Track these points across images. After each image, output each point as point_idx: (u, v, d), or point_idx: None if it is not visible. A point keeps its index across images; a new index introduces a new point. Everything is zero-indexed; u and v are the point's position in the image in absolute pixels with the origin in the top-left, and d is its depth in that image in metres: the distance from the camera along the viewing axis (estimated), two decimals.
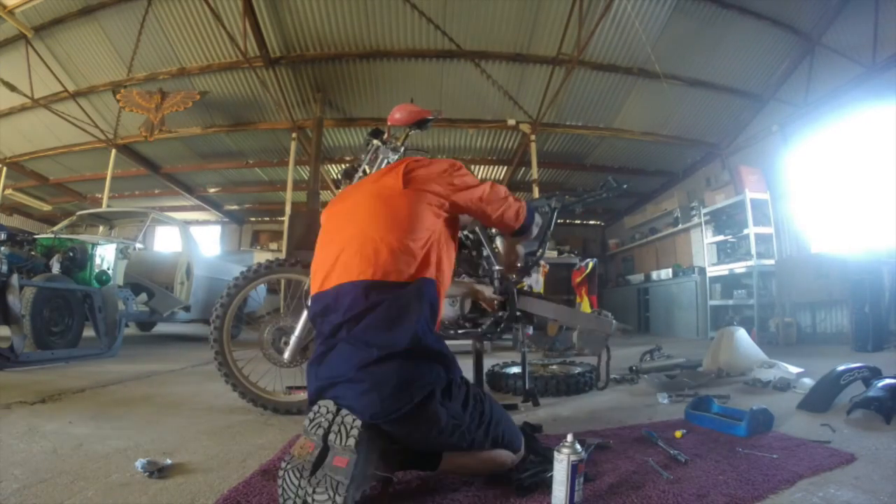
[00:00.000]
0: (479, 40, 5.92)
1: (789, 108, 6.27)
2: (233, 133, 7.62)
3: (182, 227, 5.76)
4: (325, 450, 1.01)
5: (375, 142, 2.09)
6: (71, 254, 4.00)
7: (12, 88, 6.37)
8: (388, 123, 2.08)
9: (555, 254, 6.23)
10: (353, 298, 1.14)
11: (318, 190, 6.56)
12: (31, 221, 10.98)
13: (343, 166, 6.29)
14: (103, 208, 6.83)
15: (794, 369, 2.73)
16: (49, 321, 3.66)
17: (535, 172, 7.07)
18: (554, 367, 3.11)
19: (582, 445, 1.11)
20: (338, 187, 9.59)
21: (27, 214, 11.03)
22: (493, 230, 2.21)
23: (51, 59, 6.30)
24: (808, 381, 2.42)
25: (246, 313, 5.59)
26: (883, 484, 1.23)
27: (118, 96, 6.62)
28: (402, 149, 2.12)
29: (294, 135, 7.07)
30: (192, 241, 5.76)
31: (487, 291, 2.05)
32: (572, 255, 6.31)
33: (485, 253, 2.14)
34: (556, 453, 1.09)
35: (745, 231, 6.20)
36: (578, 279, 5.03)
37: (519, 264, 1.94)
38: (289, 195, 6.86)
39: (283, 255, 5.92)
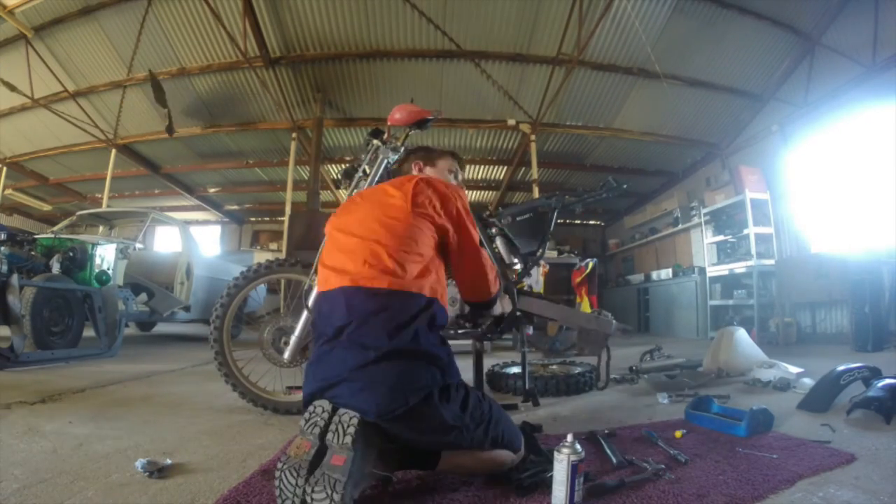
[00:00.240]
0: (478, 40, 5.92)
1: (789, 107, 6.27)
2: (233, 133, 7.62)
3: (182, 227, 5.76)
4: (322, 448, 1.01)
5: (375, 142, 2.09)
6: (71, 254, 4.00)
7: (12, 88, 6.37)
8: (388, 123, 2.08)
9: (555, 254, 6.23)
10: (357, 302, 1.18)
11: (318, 190, 6.56)
12: (31, 221, 10.98)
13: (343, 166, 6.28)
14: (103, 208, 6.82)
15: (794, 369, 2.73)
16: (49, 321, 3.65)
17: (535, 172, 7.07)
18: (554, 367, 3.11)
19: (590, 437, 1.11)
20: (338, 187, 9.61)
21: (27, 214, 11.03)
22: (493, 230, 2.21)
23: (51, 59, 6.30)
24: (808, 381, 2.42)
25: (246, 313, 5.59)
26: (883, 484, 1.23)
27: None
28: (402, 149, 2.12)
29: (294, 135, 7.07)
30: (192, 241, 5.76)
31: (506, 304, 2.08)
32: (572, 255, 6.31)
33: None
34: (556, 453, 1.09)
35: (745, 231, 6.20)
36: (578, 279, 5.02)
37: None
38: (289, 195, 6.86)
39: (283, 255, 5.92)
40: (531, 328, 2.25)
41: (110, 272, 4.31)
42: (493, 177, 9.24)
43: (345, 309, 1.18)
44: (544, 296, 2.24)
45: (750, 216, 6.13)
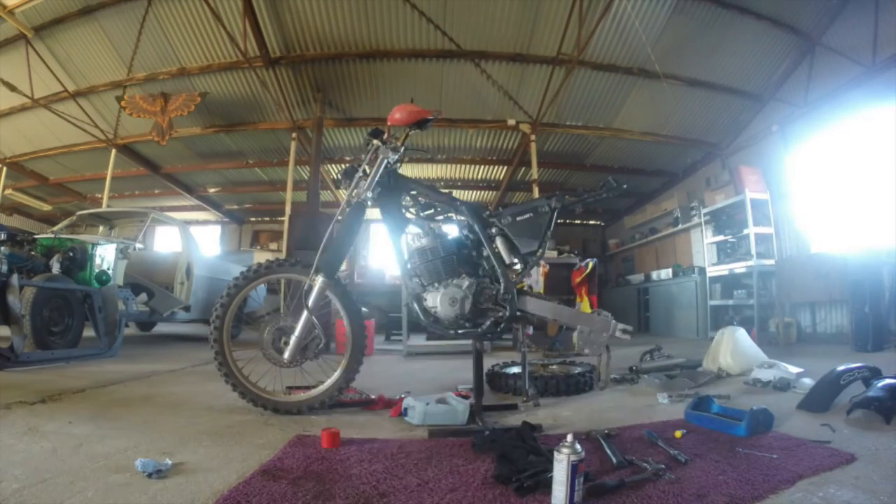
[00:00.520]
0: (479, 40, 5.92)
1: (789, 108, 6.27)
2: (233, 133, 7.61)
3: (182, 227, 5.76)
4: None
5: (375, 142, 2.09)
6: (71, 254, 4.00)
7: (12, 88, 6.37)
8: (388, 123, 2.08)
9: (555, 254, 6.22)
10: None
11: (318, 190, 6.55)
12: (31, 221, 10.98)
13: (343, 166, 6.28)
14: (103, 208, 6.82)
15: (794, 369, 2.73)
16: (49, 321, 3.66)
17: (535, 172, 7.07)
18: (554, 367, 3.11)
19: (589, 437, 1.11)
20: (338, 187, 9.61)
21: (27, 214, 11.03)
22: (493, 230, 2.21)
23: (51, 59, 6.30)
24: (808, 381, 2.42)
25: (246, 313, 5.59)
26: (883, 484, 1.23)
27: (122, 103, 6.59)
28: (402, 149, 2.12)
29: (294, 135, 7.07)
30: (192, 241, 5.76)
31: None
32: (572, 255, 6.29)
33: (485, 253, 2.14)
34: (556, 453, 1.09)
35: (745, 231, 6.20)
36: (578, 279, 5.04)
37: None
38: (289, 195, 6.85)
39: (283, 255, 5.92)
40: (531, 328, 2.24)
41: (110, 272, 4.31)
42: (493, 177, 9.24)
43: None
44: (544, 296, 2.24)
45: (750, 216, 6.13)
